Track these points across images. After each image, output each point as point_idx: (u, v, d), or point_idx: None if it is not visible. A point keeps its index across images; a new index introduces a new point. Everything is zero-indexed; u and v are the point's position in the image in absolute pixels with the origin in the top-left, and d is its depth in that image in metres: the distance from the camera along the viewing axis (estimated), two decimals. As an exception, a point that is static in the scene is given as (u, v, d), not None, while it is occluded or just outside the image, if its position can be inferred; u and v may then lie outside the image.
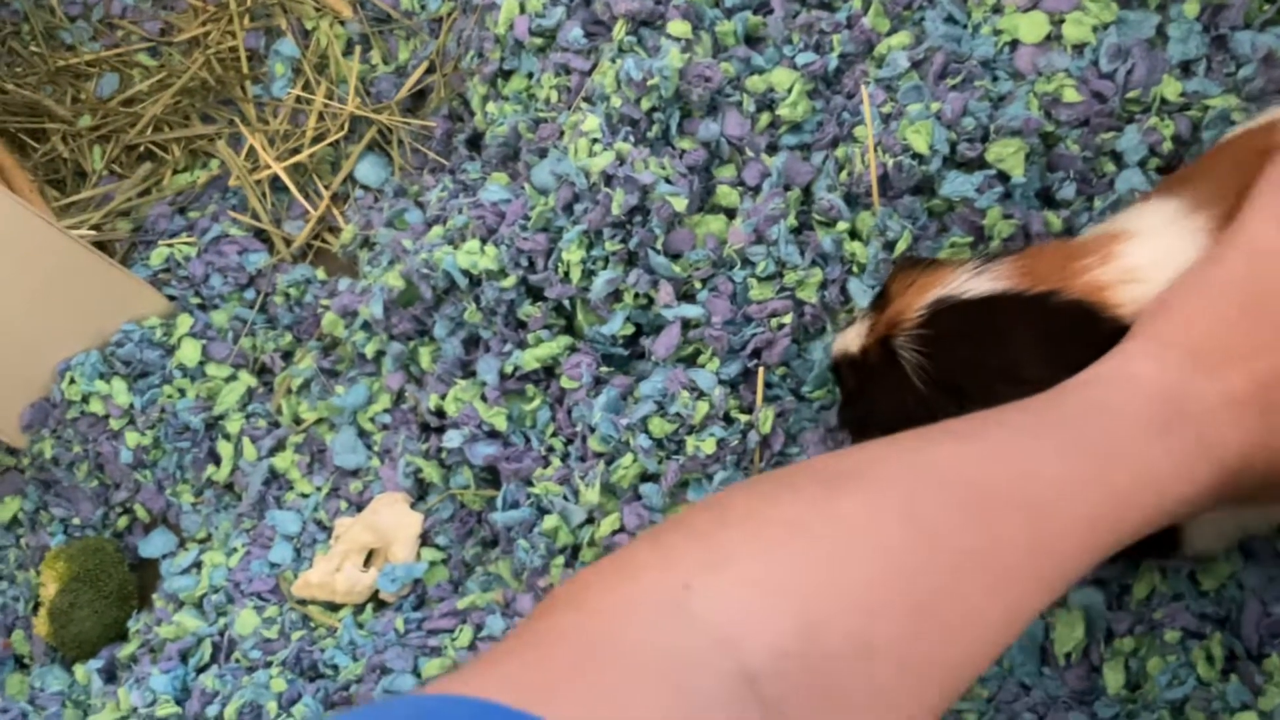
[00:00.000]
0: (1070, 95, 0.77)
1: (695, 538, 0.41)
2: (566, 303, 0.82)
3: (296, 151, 1.02)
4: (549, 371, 0.82)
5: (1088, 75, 0.78)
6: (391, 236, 0.93)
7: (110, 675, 0.89)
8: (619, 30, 0.85)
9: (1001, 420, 0.48)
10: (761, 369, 0.77)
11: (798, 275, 0.77)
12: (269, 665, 0.81)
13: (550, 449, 0.81)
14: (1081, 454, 0.46)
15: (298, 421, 0.93)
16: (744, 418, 0.76)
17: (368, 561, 0.84)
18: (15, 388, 0.96)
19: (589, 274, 0.80)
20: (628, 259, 0.80)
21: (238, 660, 0.82)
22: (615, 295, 0.80)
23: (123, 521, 0.95)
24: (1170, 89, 0.76)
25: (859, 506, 0.43)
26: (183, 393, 0.95)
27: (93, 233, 1.02)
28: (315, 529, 0.88)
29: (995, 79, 0.80)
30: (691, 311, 0.78)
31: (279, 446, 0.93)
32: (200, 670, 0.83)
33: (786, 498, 0.43)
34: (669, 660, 0.37)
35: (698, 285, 0.79)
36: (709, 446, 0.75)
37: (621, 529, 0.77)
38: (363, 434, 0.90)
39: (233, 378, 0.96)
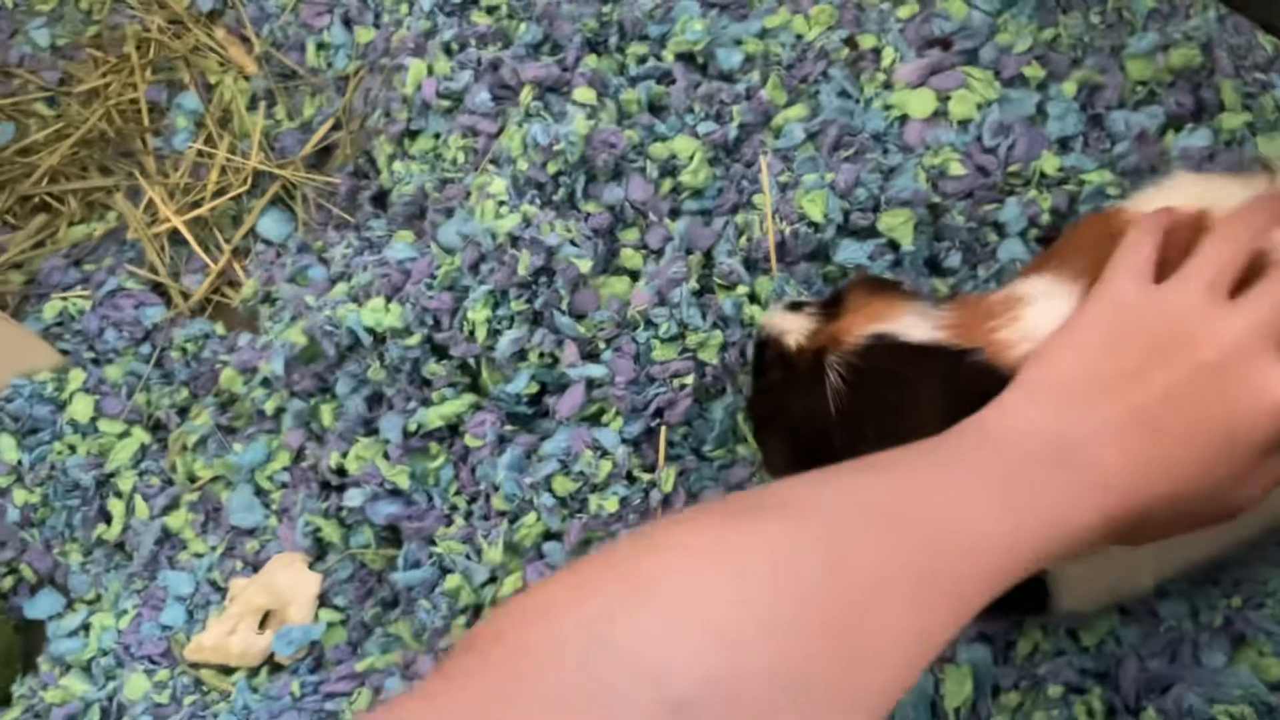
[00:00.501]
0: (956, 168, 0.81)
1: (616, 568, 0.42)
2: (471, 361, 0.82)
3: (197, 205, 1.01)
4: (453, 429, 0.83)
5: (972, 150, 0.82)
6: (294, 292, 0.92)
7: (-11, 743, 0.86)
8: (526, 95, 0.86)
9: (913, 456, 0.51)
10: (664, 428, 0.78)
11: (699, 337, 0.79)
12: (159, 731, 0.79)
13: (453, 507, 0.81)
14: (985, 488, 0.49)
15: (192, 479, 0.91)
16: (646, 476, 0.77)
17: (263, 623, 0.83)
18: (-106, 443, 0.92)
19: (494, 333, 0.81)
20: (533, 319, 0.81)
21: (126, 726, 0.80)
22: (520, 354, 0.81)
23: (8, 581, 0.92)
24: (1049, 164, 0.81)
25: (780, 533, 0.44)
26: (73, 449, 0.92)
27: (-18, 284, 1.00)
28: (209, 590, 0.86)
29: (886, 151, 0.83)
30: (596, 371, 0.79)
31: (173, 505, 0.91)
32: (86, 737, 0.81)
33: (708, 526, 0.44)
34: (593, 694, 0.37)
35: (602, 345, 0.81)
36: (612, 505, 0.76)
37: (524, 587, 0.77)
38: (260, 492, 0.89)
39: (126, 434, 0.94)
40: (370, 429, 0.85)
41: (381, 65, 0.98)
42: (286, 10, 1.06)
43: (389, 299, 0.85)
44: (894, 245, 0.80)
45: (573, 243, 0.81)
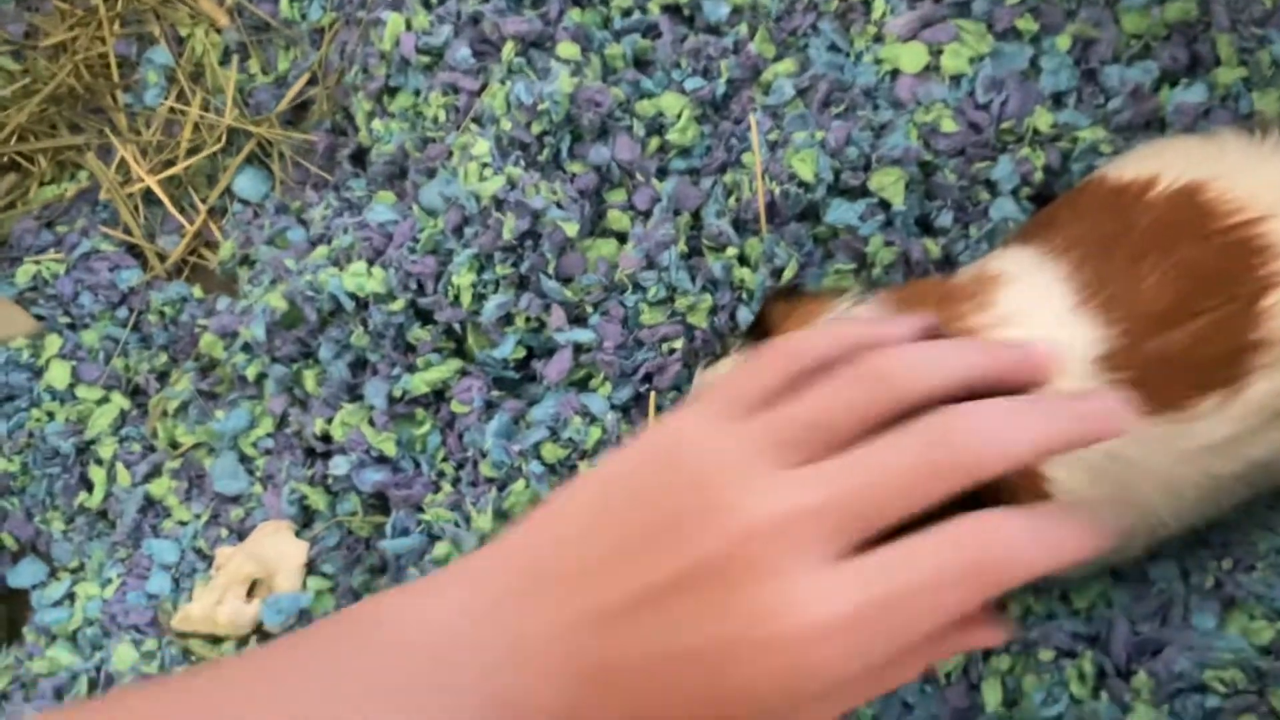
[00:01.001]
0: (948, 125, 0.80)
1: None
2: (457, 326, 0.81)
3: (171, 164, 0.99)
4: (439, 395, 0.82)
5: (964, 106, 0.81)
6: (273, 255, 0.90)
7: (-24, 714, 0.85)
8: (508, 51, 0.84)
9: (280, 660, 0.38)
10: (653, 394, 0.78)
11: (688, 300, 0.78)
12: (148, 702, 0.78)
13: (441, 474, 0.81)
14: (348, 699, 0.36)
15: (174, 446, 0.90)
16: (635, 443, 0.77)
17: (251, 592, 0.82)
18: None
19: (479, 298, 0.80)
20: (519, 283, 0.80)
21: (115, 697, 0.80)
22: (506, 319, 0.80)
23: (-12, 551, 0.91)
24: (1042, 120, 0.79)
25: None
26: (51, 416, 0.91)
27: (-49, 247, 0.97)
28: (194, 558, 0.86)
29: (877, 108, 0.82)
30: (583, 336, 0.78)
31: (155, 472, 0.90)
32: (74, 709, 0.80)
33: None
34: None
35: (589, 309, 0.79)
36: (601, 472, 0.75)
37: (513, 555, 0.77)
38: (244, 459, 0.88)
39: (104, 400, 0.92)
40: (355, 395, 0.84)
41: (358, 18, 0.95)
42: (258, -40, 1.03)
43: (371, 263, 0.83)
44: (885, 205, 0.79)
45: (559, 205, 0.79)
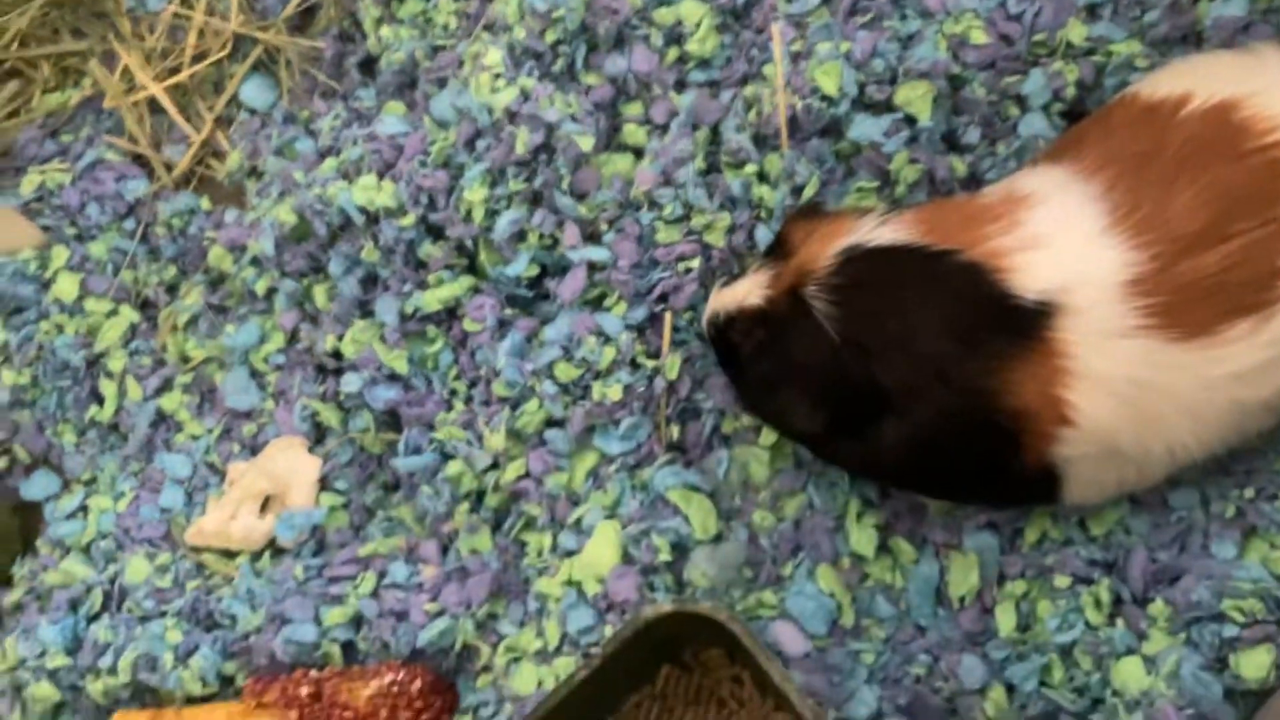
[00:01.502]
0: (978, 37, 0.77)
1: None
2: (469, 242, 0.79)
3: (176, 71, 0.96)
4: (451, 313, 0.80)
5: (995, 16, 0.78)
6: (281, 167, 0.89)
7: (-6, 622, 0.86)
8: (521, -44, 0.81)
9: None
10: (668, 314, 0.76)
11: (705, 219, 0.76)
12: (163, 615, 0.79)
13: (453, 393, 0.80)
14: None
15: (185, 360, 0.89)
16: (651, 363, 0.76)
17: (264, 507, 0.82)
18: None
19: (492, 214, 0.78)
20: (532, 198, 0.78)
21: (130, 610, 0.80)
22: (519, 236, 0.78)
23: (2, 463, 0.91)
24: (1076, 33, 0.77)
25: None
26: (60, 329, 0.90)
27: (-46, 155, 0.96)
28: (207, 472, 0.85)
29: (904, 17, 0.79)
30: (598, 254, 0.77)
31: (166, 386, 0.89)
32: (91, 620, 0.81)
33: None
34: None
35: (604, 227, 0.78)
36: (615, 393, 0.74)
37: (527, 474, 0.76)
38: (255, 374, 0.87)
39: (114, 313, 0.91)
40: (366, 311, 0.83)
41: (366, -81, 0.92)
42: None
43: (381, 176, 0.81)
44: (910, 120, 0.76)
45: (573, 118, 0.77)
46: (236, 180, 0.94)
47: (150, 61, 0.97)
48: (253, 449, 0.85)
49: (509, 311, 0.79)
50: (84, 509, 0.87)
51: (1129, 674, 0.63)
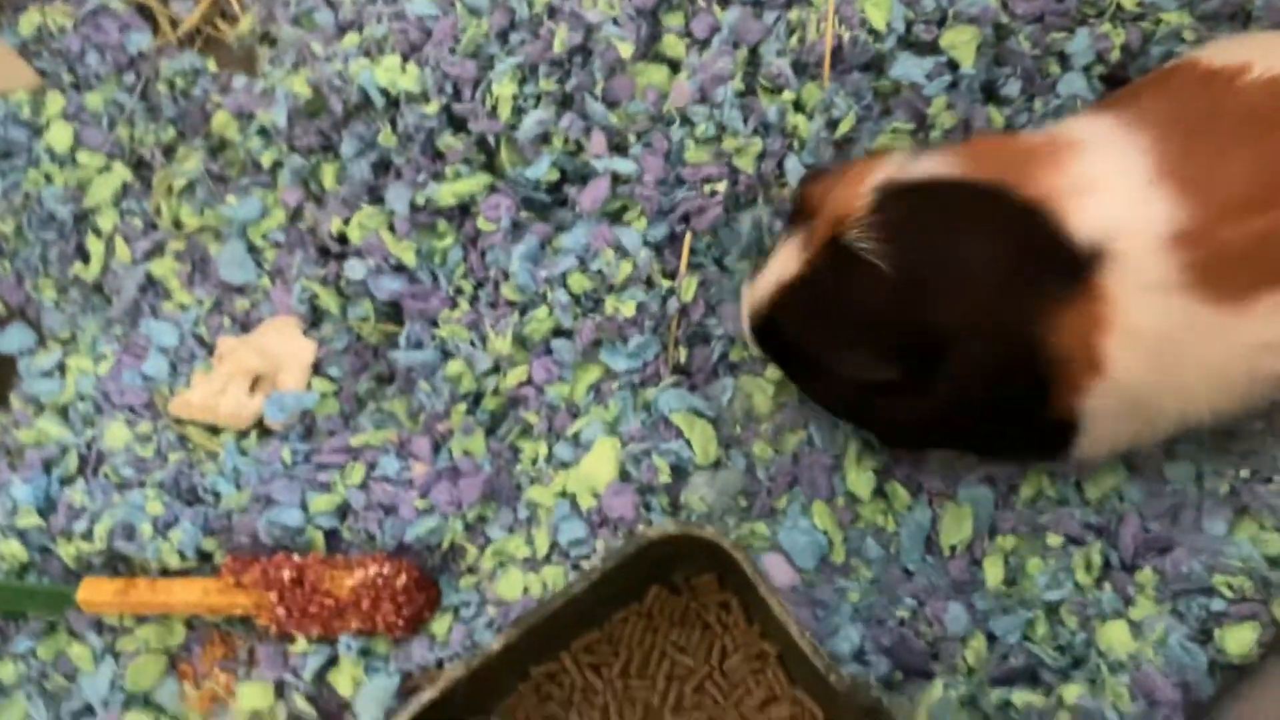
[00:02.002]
0: (1031, -12, 0.76)
1: None
2: (491, 139, 0.77)
3: (190, -78, 0.92)
4: (464, 210, 0.78)
5: (1050, -30, 0.76)
6: (297, 36, 0.85)
7: (-42, 474, 0.84)
8: None
9: None
10: (689, 234, 0.75)
11: (737, 142, 0.74)
12: (143, 485, 0.77)
13: (459, 291, 0.78)
14: None
15: (178, 226, 0.87)
16: (666, 283, 0.75)
17: (253, 386, 0.80)
18: None
19: (518, 111, 0.76)
20: (562, 100, 0.76)
21: (107, 476, 0.78)
22: (544, 138, 0.76)
23: (-25, 312, 0.88)
24: (1128, -4, 0.76)
25: None
26: (50, 179, 0.87)
27: (-55, -17, 0.90)
28: (194, 344, 0.83)
29: (959, -41, 0.77)
30: (623, 166, 0.75)
31: (156, 251, 0.86)
32: (65, 482, 0.79)
33: None
34: None
35: (632, 139, 0.76)
36: (628, 309, 0.73)
37: (529, 381, 0.75)
38: (252, 249, 0.85)
39: (106, 169, 0.88)
40: (375, 197, 0.80)
41: None
42: None
43: (406, 58, 0.79)
44: (953, 65, 0.75)
45: (615, 21, 0.75)
46: (247, 45, 0.90)
47: (163, -92, 0.92)
48: (244, 325, 0.83)
49: (524, 214, 0.77)
50: (61, 368, 0.85)
51: (1115, 637, 0.65)
